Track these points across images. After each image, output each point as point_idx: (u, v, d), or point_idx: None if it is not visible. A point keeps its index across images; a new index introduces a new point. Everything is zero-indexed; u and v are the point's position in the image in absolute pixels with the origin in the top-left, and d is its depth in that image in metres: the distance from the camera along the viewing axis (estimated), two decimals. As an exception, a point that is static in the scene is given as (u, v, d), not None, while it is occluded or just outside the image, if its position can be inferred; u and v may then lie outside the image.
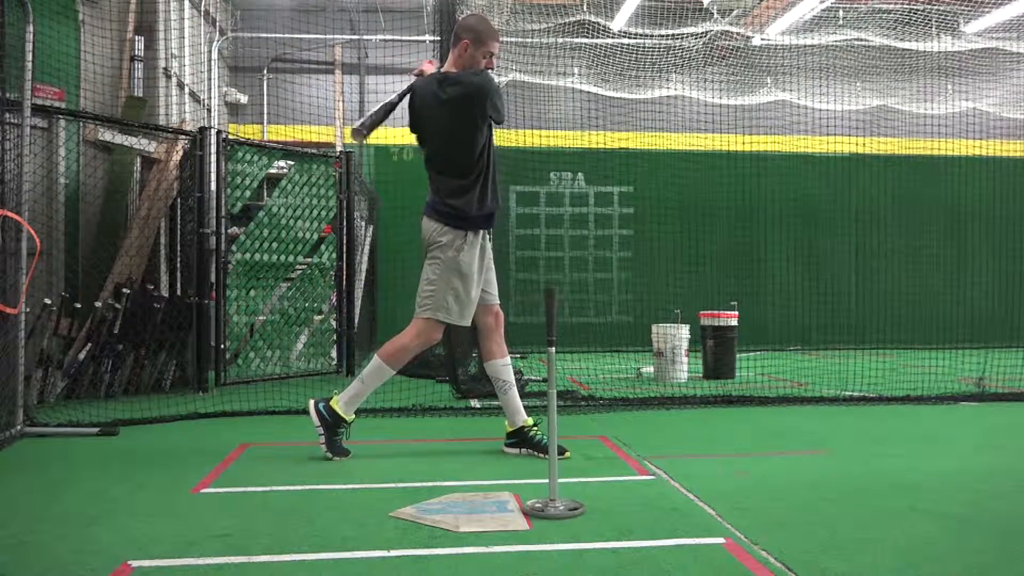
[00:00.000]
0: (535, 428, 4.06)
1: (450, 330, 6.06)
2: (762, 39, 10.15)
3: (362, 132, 3.94)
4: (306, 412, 5.33)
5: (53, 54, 6.27)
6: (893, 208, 11.20)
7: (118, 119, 6.90)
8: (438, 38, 6.68)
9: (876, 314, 10.71)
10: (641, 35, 9.57)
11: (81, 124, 6.59)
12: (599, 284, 11.23)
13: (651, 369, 7.59)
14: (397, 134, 10.24)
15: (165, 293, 6.89)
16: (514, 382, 4.08)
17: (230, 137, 7.03)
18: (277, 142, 9.46)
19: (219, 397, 6.01)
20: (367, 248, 8.83)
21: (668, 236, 10.00)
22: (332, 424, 3.92)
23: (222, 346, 6.69)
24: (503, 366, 4.06)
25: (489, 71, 3.92)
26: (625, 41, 9.93)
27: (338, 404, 3.93)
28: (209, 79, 9.77)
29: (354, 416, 4.00)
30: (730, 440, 4.55)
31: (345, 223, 7.71)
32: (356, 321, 7.84)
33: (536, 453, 4.00)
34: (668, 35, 9.47)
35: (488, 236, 4.05)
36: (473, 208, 3.90)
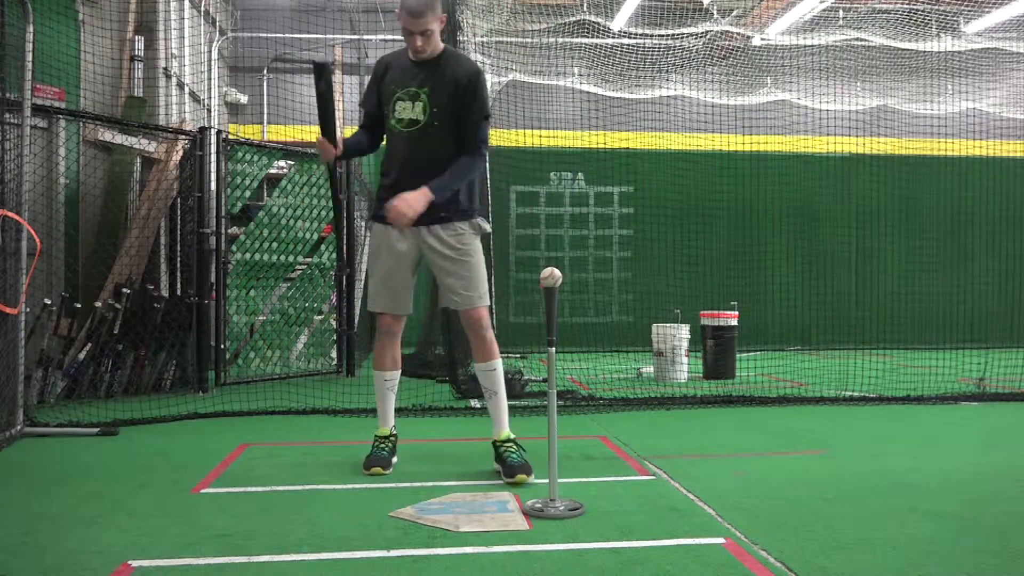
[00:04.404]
0: (506, 445, 3.56)
1: (451, 330, 6.12)
2: (762, 39, 10.15)
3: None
4: (306, 412, 5.39)
5: (53, 54, 6.26)
6: (893, 208, 11.18)
7: (118, 119, 6.89)
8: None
9: (876, 314, 10.70)
10: (641, 35, 9.57)
11: (81, 124, 6.59)
12: (599, 284, 11.21)
13: (651, 369, 7.59)
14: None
15: (165, 293, 6.88)
16: (496, 390, 3.64)
17: (230, 137, 7.03)
18: (277, 142, 9.45)
19: (219, 397, 6.01)
20: (367, 248, 8.82)
21: (668, 236, 9.97)
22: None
23: (222, 346, 6.70)
24: (481, 371, 3.68)
25: (417, 50, 3.61)
26: (625, 41, 9.92)
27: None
28: (209, 79, 9.76)
29: (387, 430, 3.75)
30: (730, 440, 4.55)
31: (345, 223, 7.71)
32: (356, 321, 7.84)
33: (501, 471, 3.51)
34: (668, 35, 9.46)
35: (395, 230, 3.60)
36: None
